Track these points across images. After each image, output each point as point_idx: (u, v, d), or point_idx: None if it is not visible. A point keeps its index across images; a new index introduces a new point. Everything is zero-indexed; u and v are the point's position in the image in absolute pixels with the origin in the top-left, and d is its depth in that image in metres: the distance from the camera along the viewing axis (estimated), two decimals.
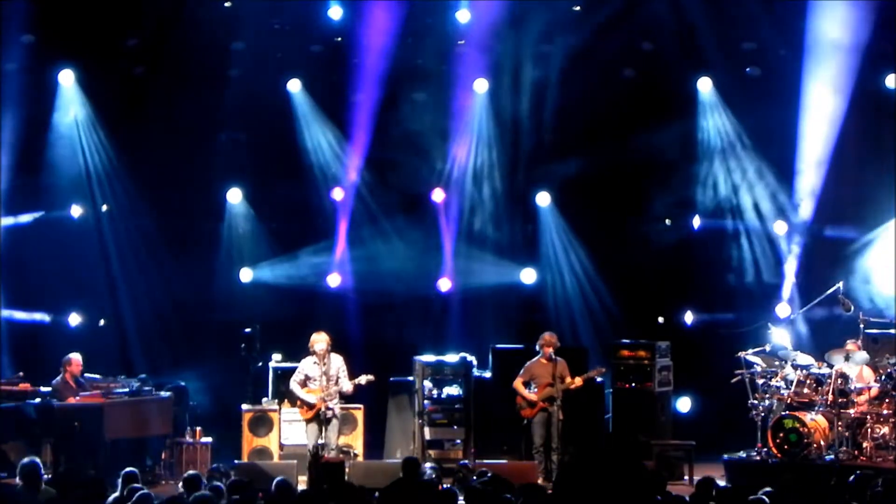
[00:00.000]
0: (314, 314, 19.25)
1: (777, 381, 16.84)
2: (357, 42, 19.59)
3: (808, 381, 16.73)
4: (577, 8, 19.67)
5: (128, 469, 12.43)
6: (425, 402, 17.95)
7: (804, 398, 16.69)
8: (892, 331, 17.28)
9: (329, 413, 16.44)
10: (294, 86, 20.14)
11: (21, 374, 17.83)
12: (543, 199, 20.53)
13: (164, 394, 17.76)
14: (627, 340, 18.56)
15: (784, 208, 19.70)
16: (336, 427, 16.60)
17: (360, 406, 17.82)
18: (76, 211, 20.04)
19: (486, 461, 16.85)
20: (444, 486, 14.35)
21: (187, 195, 20.00)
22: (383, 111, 19.79)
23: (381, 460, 17.83)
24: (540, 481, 15.64)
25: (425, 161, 20.23)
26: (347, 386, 16.49)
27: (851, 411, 16.39)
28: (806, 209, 19.50)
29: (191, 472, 12.90)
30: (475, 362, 18.29)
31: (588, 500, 8.64)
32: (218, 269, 20.27)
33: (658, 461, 16.99)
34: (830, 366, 16.58)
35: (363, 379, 16.58)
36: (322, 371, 16.46)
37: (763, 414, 16.76)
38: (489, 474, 12.51)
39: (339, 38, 19.93)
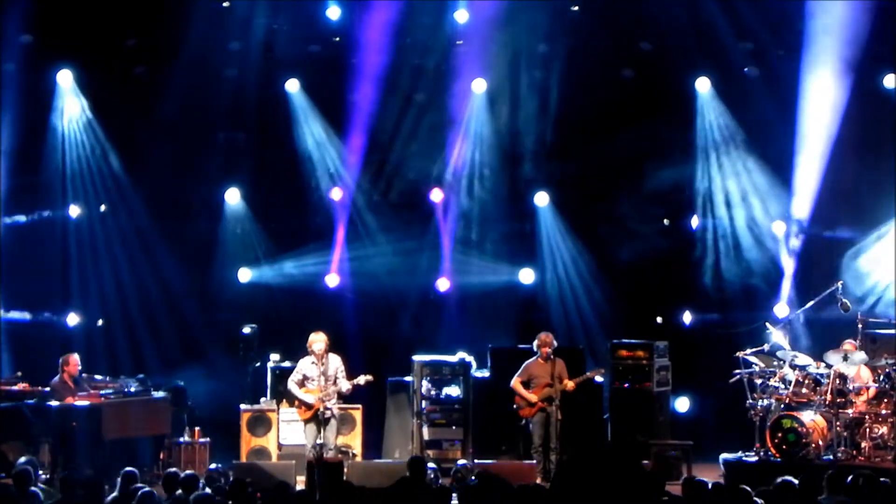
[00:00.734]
0: (312, 314, 19.25)
1: (775, 381, 16.84)
2: (355, 42, 19.60)
3: (806, 381, 16.73)
4: (576, 8, 19.67)
5: (127, 469, 12.44)
6: (424, 402, 17.96)
7: (802, 398, 16.68)
8: (891, 331, 17.28)
9: (327, 413, 16.43)
10: (292, 86, 20.14)
11: (19, 373, 17.83)
12: (542, 198, 20.52)
13: (162, 394, 17.74)
14: (626, 340, 18.56)
15: (783, 208, 19.70)
16: (334, 427, 16.59)
17: (359, 406, 17.82)
18: (75, 211, 20.04)
19: (484, 461, 16.85)
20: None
21: (186, 195, 20.01)
22: (381, 111, 19.79)
23: (380, 460, 17.83)
24: (538, 481, 15.63)
25: (423, 161, 20.23)
26: (346, 386, 16.47)
27: (850, 411, 16.39)
28: (804, 209, 19.50)
29: (170, 470, 12.92)
30: (474, 362, 18.29)
31: (586, 500, 8.64)
32: (216, 269, 20.28)
33: (656, 461, 16.96)
34: (829, 366, 16.58)
35: (362, 379, 16.56)
36: (320, 371, 16.43)
37: (761, 414, 16.76)
38: (487, 474, 12.50)
39: (338, 39, 19.93)
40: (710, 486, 11.49)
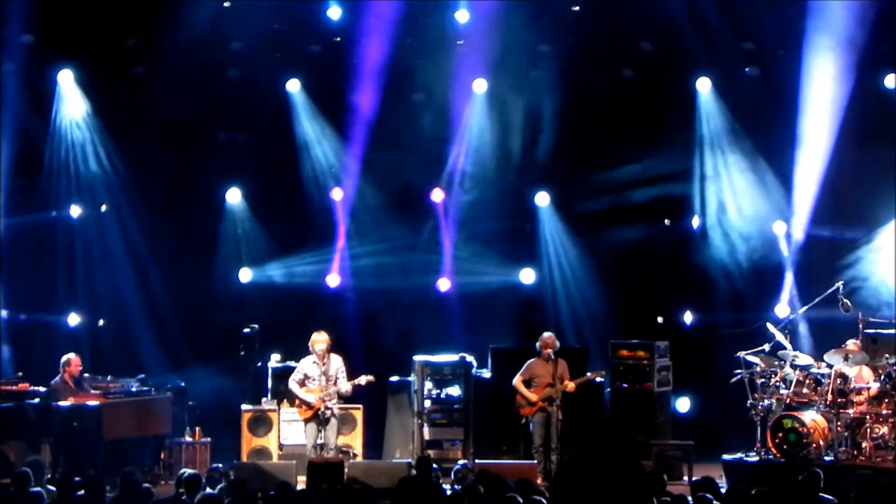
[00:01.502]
0: (313, 314, 19.26)
1: (776, 381, 16.83)
2: (356, 42, 19.59)
3: (807, 381, 16.72)
4: (577, 8, 19.67)
5: (127, 468, 12.45)
6: (425, 402, 17.96)
7: (803, 398, 16.68)
8: (892, 331, 17.27)
9: (328, 413, 16.45)
10: (293, 86, 20.14)
11: (20, 373, 17.82)
12: (542, 198, 20.53)
13: (162, 394, 17.75)
14: (627, 340, 18.55)
15: (783, 208, 19.70)
16: (335, 427, 16.61)
17: (360, 406, 17.83)
18: (75, 211, 20.04)
19: (485, 461, 16.84)
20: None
21: (186, 195, 20.02)
22: (382, 111, 19.78)
23: (381, 460, 17.83)
24: (539, 481, 15.63)
25: (424, 161, 20.23)
26: (346, 387, 16.48)
27: (850, 411, 16.37)
28: (804, 209, 19.49)
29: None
30: (474, 362, 18.29)
31: (585, 500, 8.65)
32: (217, 269, 20.29)
33: (657, 461, 16.97)
34: (830, 366, 16.57)
35: (363, 379, 16.58)
36: (321, 371, 16.46)
37: (762, 414, 16.75)
38: (487, 474, 12.51)
39: (338, 38, 19.93)
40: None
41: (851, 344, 16.79)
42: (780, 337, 17.08)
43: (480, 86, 20.08)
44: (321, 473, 14.78)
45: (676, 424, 18.66)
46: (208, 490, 11.96)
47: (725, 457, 16.78)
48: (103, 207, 20.13)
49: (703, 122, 19.98)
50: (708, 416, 19.25)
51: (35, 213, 19.79)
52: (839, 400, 16.37)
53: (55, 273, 19.80)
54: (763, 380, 16.90)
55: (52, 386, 16.98)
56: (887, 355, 16.62)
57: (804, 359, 16.93)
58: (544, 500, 10.44)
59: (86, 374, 17.39)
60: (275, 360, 18.37)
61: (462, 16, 19.69)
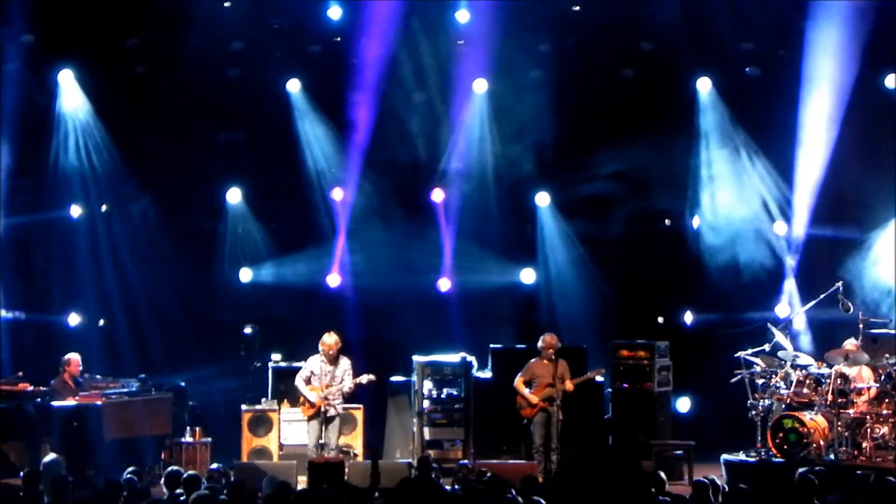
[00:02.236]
0: (314, 314, 19.28)
1: (777, 381, 16.83)
2: (356, 42, 19.59)
3: (807, 382, 16.72)
4: (577, 7, 19.67)
5: (129, 469, 12.46)
6: (425, 402, 17.97)
7: (804, 398, 16.68)
8: (892, 331, 17.28)
9: (331, 411, 16.50)
10: (293, 86, 20.14)
11: (20, 373, 17.81)
12: (542, 198, 20.52)
13: (163, 394, 17.75)
14: (627, 340, 18.55)
15: (784, 208, 19.70)
16: (337, 427, 16.66)
17: (360, 406, 17.84)
18: (76, 211, 20.04)
19: (485, 461, 16.84)
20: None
21: (187, 195, 20.02)
22: (382, 111, 19.78)
23: (381, 460, 17.81)
24: (539, 481, 15.61)
25: (424, 161, 20.23)
26: (348, 384, 16.56)
27: (851, 411, 16.37)
28: (805, 209, 19.49)
29: (171, 468, 12.93)
30: (475, 362, 18.30)
31: (586, 501, 8.63)
32: (217, 268, 20.29)
33: (657, 461, 16.98)
34: (830, 366, 16.57)
35: (364, 378, 16.63)
36: (328, 371, 16.56)
37: (762, 414, 16.76)
38: (488, 474, 12.52)
39: (339, 39, 19.93)
40: None
41: (851, 344, 16.80)
42: (780, 337, 17.08)
43: (480, 86, 20.08)
44: (321, 473, 14.81)
45: (677, 424, 18.66)
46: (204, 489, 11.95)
47: (725, 457, 16.77)
48: (103, 207, 20.12)
49: (702, 123, 19.97)
50: (708, 416, 19.24)
51: (35, 213, 19.78)
52: (839, 400, 16.37)
53: (55, 273, 19.79)
54: (763, 380, 16.90)
55: (52, 386, 16.99)
56: (887, 355, 16.63)
57: (804, 359, 16.94)
58: (543, 501, 10.43)
59: (86, 374, 17.40)
60: (275, 360, 18.37)
61: (462, 16, 19.70)
